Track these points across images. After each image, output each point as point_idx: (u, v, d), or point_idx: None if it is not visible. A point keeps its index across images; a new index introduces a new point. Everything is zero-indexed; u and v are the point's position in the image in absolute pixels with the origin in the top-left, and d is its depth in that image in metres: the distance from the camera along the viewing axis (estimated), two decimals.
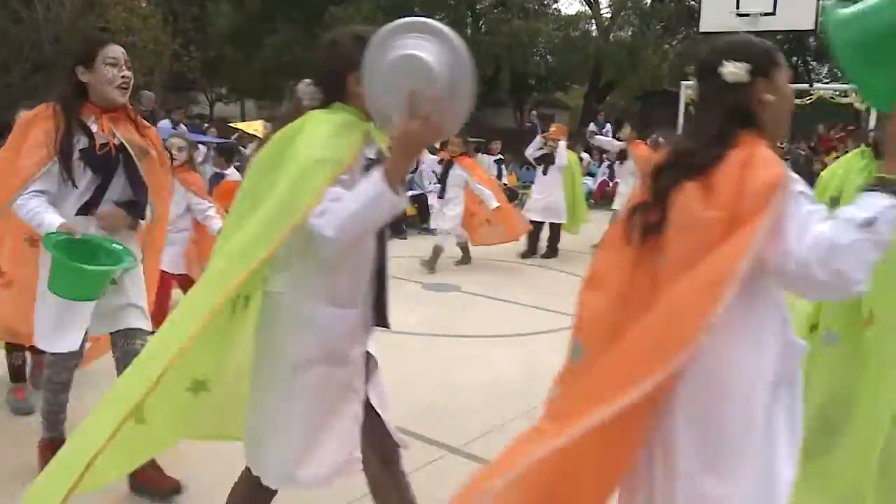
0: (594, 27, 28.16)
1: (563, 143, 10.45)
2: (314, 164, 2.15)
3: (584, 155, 16.10)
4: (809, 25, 14.95)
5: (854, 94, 16.51)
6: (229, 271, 2.16)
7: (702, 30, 15.34)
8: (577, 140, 16.52)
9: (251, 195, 2.30)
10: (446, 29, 2.07)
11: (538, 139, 10.68)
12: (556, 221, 10.49)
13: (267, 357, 2.39)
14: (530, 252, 10.49)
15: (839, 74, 30.22)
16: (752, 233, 1.75)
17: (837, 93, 13.86)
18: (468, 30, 26.66)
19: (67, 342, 3.33)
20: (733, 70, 1.95)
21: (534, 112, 21.14)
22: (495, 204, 9.05)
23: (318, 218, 2.12)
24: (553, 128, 10.84)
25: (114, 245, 3.23)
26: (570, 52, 26.43)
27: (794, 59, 29.48)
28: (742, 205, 1.80)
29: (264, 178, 2.26)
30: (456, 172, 9.23)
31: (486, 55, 23.65)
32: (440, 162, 9.92)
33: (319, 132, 2.21)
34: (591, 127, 16.41)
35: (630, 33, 27.28)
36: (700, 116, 2.04)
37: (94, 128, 3.25)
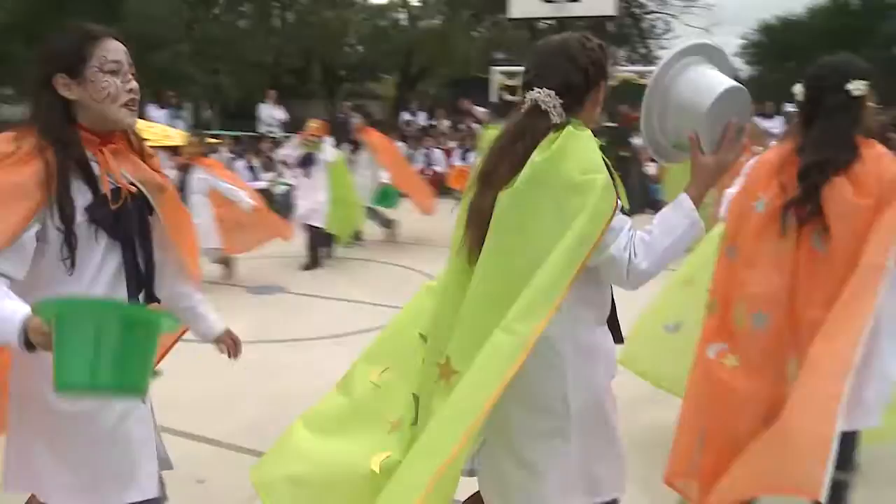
0: (404, 16, 28.27)
1: (328, 141, 9.23)
2: (603, 191, 1.90)
3: (401, 144, 16.09)
4: (610, 11, 15.76)
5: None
6: (538, 306, 1.83)
7: (511, 16, 15.69)
8: (392, 129, 16.53)
9: (511, 226, 1.97)
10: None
11: (295, 139, 9.54)
12: (317, 225, 9.10)
13: (539, 403, 2.16)
14: (312, 263, 9.24)
15: (636, 58, 32.15)
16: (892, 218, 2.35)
17: (639, 75, 14.59)
18: (277, 20, 26.02)
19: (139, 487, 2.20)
20: (859, 87, 2.49)
21: (346, 103, 20.93)
22: (249, 202, 7.90)
23: (632, 252, 2.00)
24: (312, 124, 9.26)
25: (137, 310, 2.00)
26: (381, 42, 26.41)
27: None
28: (883, 192, 2.37)
29: (523, 203, 1.96)
30: (198, 177, 7.91)
31: (295, 46, 23.21)
32: (178, 168, 8.06)
33: (593, 154, 1.97)
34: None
35: (440, 21, 27.59)
36: (828, 125, 2.50)
37: (95, 169, 2.10)
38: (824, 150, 2.48)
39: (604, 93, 2.12)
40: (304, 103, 28.76)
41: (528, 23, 23.89)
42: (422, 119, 18.52)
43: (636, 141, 12.73)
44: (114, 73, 2.07)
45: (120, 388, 1.69)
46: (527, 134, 2.02)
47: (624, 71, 15.90)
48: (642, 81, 18.06)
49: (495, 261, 1.97)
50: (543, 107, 2.03)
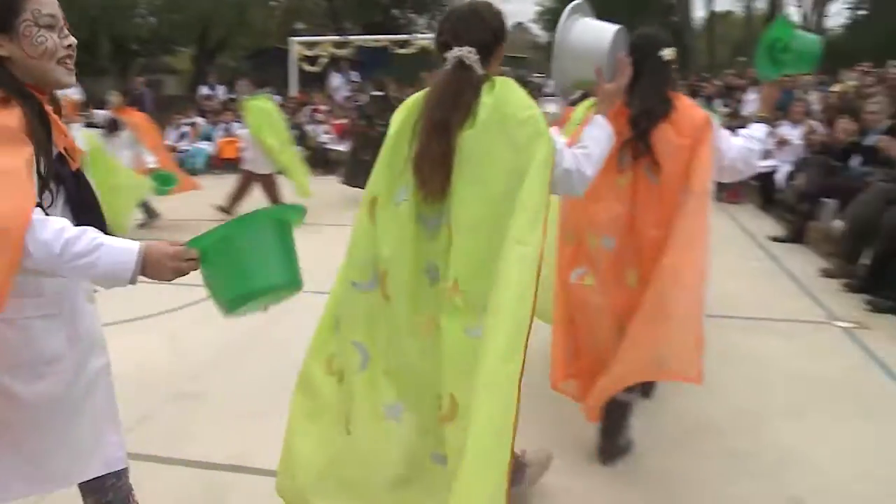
0: None
1: (76, 125, 8.49)
2: (543, 121, 2.26)
3: (200, 119, 15.52)
4: None
5: None
6: (535, 219, 2.15)
7: None
8: (189, 107, 15.89)
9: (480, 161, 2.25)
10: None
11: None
12: None
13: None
14: None
15: (436, 25, 32.56)
16: (709, 150, 3.00)
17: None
18: None
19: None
20: (669, 53, 3.08)
21: (140, 78, 19.83)
22: None
23: (578, 164, 2.40)
24: (64, 101, 8.72)
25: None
26: (174, 12, 25.23)
27: (395, 11, 31.02)
28: (696, 133, 3.00)
29: (494, 145, 2.24)
30: None
31: (79, 17, 21.67)
32: None
33: (524, 94, 2.31)
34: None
35: None
36: (649, 83, 3.03)
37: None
38: (648, 101, 3.05)
39: (503, 51, 2.42)
40: (94, 80, 27.04)
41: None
42: (221, 93, 17.87)
43: None
44: (50, 27, 1.91)
45: (293, 283, 1.95)
46: (465, 85, 2.28)
47: (423, 39, 16.10)
48: None
49: (472, 190, 2.23)
50: (467, 62, 2.29)
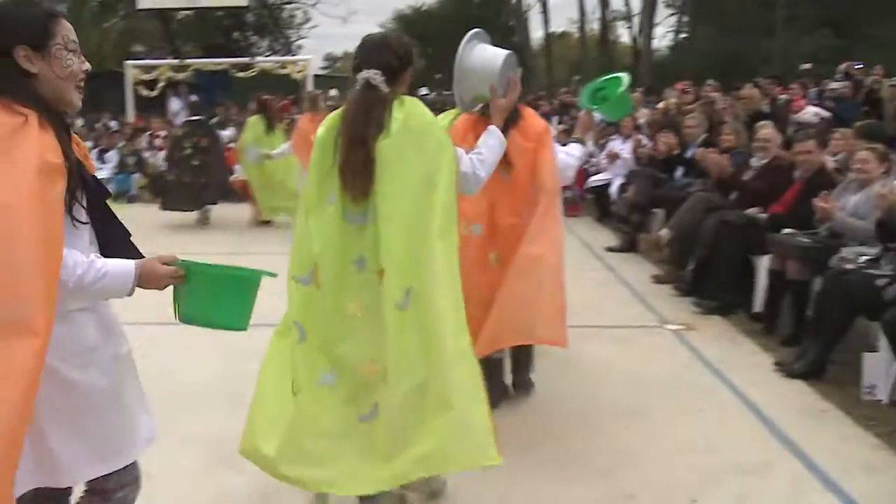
0: None
1: None
2: (445, 132, 2.83)
3: None
4: (243, 2, 15.55)
5: (292, 66, 17.71)
6: (452, 215, 2.69)
7: (141, 6, 14.97)
8: None
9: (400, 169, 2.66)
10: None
11: None
12: None
13: None
14: None
15: (278, 48, 32.26)
16: (550, 153, 3.79)
17: (278, 64, 14.70)
18: None
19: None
20: (518, 73, 3.27)
21: None
22: None
23: (475, 168, 2.89)
24: None
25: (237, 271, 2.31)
26: None
27: (236, 34, 30.52)
28: (538, 139, 3.75)
29: (406, 152, 2.65)
30: None
31: None
32: None
33: (427, 110, 2.76)
34: None
35: (63, 10, 25.56)
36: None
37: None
38: (465, 110, 3.56)
39: (411, 74, 2.84)
40: None
41: (163, 14, 23.01)
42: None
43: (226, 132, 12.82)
44: (74, 52, 2.11)
45: (239, 327, 2.25)
46: (374, 102, 2.69)
47: (264, 62, 15.92)
48: (283, 71, 18.22)
49: (391, 189, 2.63)
50: (373, 82, 2.69)
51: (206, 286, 2.20)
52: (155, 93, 17.94)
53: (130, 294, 2.10)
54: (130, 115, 18.04)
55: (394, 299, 2.60)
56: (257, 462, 2.80)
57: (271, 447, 2.72)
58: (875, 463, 3.64)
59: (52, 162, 1.93)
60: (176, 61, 18.74)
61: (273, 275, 2.28)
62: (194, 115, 10.75)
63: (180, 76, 17.86)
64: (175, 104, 17.83)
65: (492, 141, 3.02)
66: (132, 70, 18.40)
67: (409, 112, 2.68)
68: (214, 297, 2.21)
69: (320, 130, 2.85)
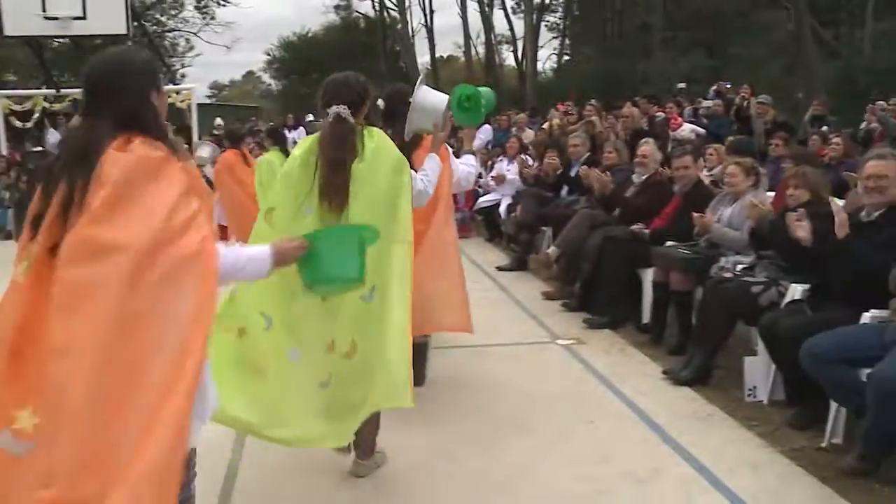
0: None
1: None
2: (404, 158, 3.34)
3: None
4: (122, 30, 15.03)
5: (175, 95, 17.30)
6: (408, 226, 3.26)
7: (7, 33, 14.33)
8: None
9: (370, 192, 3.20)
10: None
11: None
12: None
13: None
14: None
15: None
16: (449, 168, 4.39)
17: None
18: None
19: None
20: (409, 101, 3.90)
21: None
22: None
23: (426, 185, 3.62)
24: None
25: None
26: None
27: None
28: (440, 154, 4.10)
29: (371, 168, 3.20)
30: None
31: None
32: None
33: (389, 140, 3.33)
34: None
35: None
36: (401, 122, 3.94)
37: None
38: (403, 135, 3.92)
39: (368, 107, 3.37)
40: None
41: (35, 42, 22.08)
42: None
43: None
44: None
45: (358, 279, 2.78)
46: (347, 132, 3.19)
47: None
48: (170, 100, 17.63)
49: (363, 202, 3.16)
50: (343, 115, 3.20)
51: (325, 243, 2.64)
52: (29, 124, 17.15)
53: (268, 275, 2.47)
54: (3, 148, 17.17)
55: (360, 293, 3.11)
56: (234, 426, 3.27)
57: (253, 416, 3.12)
58: (759, 460, 3.78)
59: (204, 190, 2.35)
60: (51, 91, 17.95)
61: (374, 231, 2.87)
62: (36, 148, 10.55)
63: (57, 107, 17.15)
64: (53, 136, 17.14)
65: (433, 164, 3.77)
66: (3, 100, 17.54)
67: (377, 141, 3.25)
68: (331, 254, 2.65)
69: (295, 151, 3.41)
